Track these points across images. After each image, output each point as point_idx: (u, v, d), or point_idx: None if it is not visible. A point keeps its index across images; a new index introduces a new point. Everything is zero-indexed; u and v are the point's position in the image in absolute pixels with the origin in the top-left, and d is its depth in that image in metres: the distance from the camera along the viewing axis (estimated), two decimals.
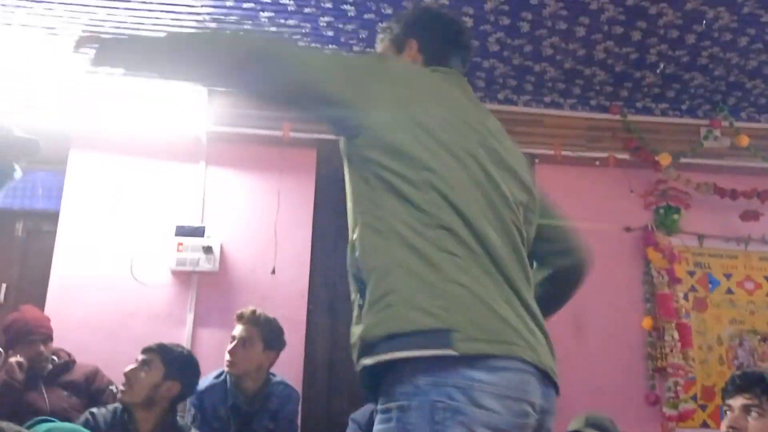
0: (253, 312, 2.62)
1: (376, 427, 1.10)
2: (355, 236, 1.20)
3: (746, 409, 1.74)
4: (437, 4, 2.77)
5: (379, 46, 1.54)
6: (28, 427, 1.68)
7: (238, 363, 2.54)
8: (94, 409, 2.26)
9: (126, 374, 2.22)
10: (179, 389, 2.24)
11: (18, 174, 2.02)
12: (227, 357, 2.54)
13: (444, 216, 1.14)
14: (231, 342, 2.57)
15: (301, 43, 3.09)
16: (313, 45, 2.99)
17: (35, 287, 3.37)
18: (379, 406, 1.11)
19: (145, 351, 2.28)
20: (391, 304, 1.10)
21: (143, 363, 2.23)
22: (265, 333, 2.59)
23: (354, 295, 1.20)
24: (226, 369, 2.56)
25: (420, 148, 1.19)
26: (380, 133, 1.20)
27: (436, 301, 1.09)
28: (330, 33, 3.01)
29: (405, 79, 1.31)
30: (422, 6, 1.52)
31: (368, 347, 1.11)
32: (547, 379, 1.17)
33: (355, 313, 1.18)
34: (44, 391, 2.60)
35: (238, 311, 2.66)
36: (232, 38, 1.40)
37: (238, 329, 2.59)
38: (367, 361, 1.11)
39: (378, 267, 1.14)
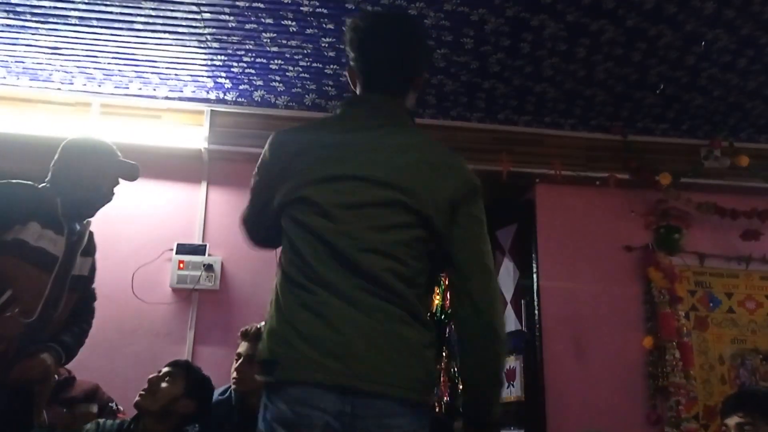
0: (258, 329, 2.62)
1: None
2: None
3: (740, 428, 1.78)
4: (438, 17, 2.80)
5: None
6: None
7: (245, 380, 2.54)
8: (101, 420, 2.25)
9: (149, 380, 2.21)
10: (194, 409, 2.24)
11: (113, 197, 2.18)
12: (234, 375, 2.53)
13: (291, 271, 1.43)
14: (236, 360, 2.56)
15: (302, 64, 3.12)
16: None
17: None
18: None
19: (171, 365, 2.29)
20: None
21: (167, 374, 2.23)
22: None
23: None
24: (233, 386, 2.55)
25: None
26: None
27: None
28: (331, 53, 3.03)
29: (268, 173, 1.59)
30: (349, 24, 1.59)
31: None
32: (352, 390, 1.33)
33: None
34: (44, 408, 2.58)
35: (243, 329, 2.65)
36: None
37: (243, 347, 2.58)
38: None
39: None
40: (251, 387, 2.53)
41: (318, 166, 1.45)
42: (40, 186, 2.10)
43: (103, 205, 2.19)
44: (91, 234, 2.22)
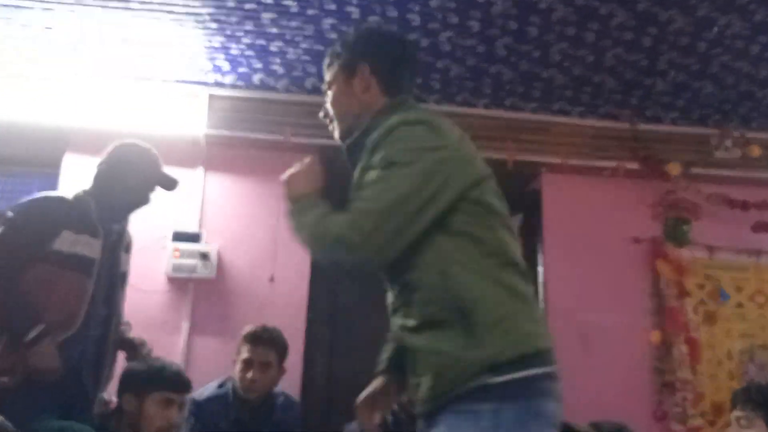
0: (269, 333, 2.55)
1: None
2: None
3: (738, 421, 1.91)
4: (444, 6, 2.72)
5: (328, 73, 1.57)
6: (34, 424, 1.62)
7: (258, 388, 2.49)
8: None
9: None
10: None
11: (150, 202, 2.37)
12: (246, 383, 2.46)
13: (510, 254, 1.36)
14: (246, 366, 2.48)
15: (303, 46, 3.04)
16: None
17: None
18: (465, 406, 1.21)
19: None
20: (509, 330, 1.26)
21: None
22: (281, 353, 2.55)
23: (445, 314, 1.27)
24: (244, 394, 2.48)
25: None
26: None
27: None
28: (333, 35, 2.95)
29: None
30: (368, 27, 1.56)
31: (495, 367, 1.21)
32: None
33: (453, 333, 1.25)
34: None
35: (250, 331, 2.55)
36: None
37: (255, 353, 2.49)
38: (497, 379, 1.21)
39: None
40: (264, 391, 2.49)
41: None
42: (81, 190, 2.26)
43: (139, 209, 2.34)
44: (128, 231, 2.38)
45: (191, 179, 3.38)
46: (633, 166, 3.53)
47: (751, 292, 3.55)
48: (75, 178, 3.35)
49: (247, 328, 2.58)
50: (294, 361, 3.00)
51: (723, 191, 3.54)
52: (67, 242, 2.10)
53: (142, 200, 2.32)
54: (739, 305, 3.53)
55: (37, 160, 3.54)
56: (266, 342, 2.51)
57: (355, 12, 2.79)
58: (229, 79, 3.36)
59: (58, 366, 1.99)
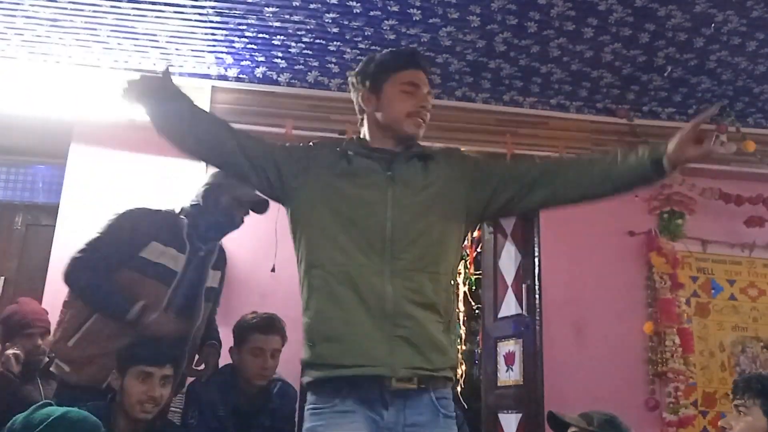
0: (277, 321, 2.61)
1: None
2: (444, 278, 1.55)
3: (737, 409, 1.90)
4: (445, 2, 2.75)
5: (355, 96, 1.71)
6: (29, 414, 1.66)
7: (269, 375, 2.54)
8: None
9: None
10: None
11: (242, 224, 2.47)
12: (261, 371, 2.50)
13: None
14: (257, 354, 2.50)
15: (305, 40, 3.07)
16: None
17: (34, 280, 3.35)
18: (446, 411, 1.52)
19: None
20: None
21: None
22: (285, 339, 2.60)
23: (435, 316, 1.51)
24: (256, 382, 2.52)
25: None
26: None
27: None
28: (335, 29, 2.99)
29: None
30: (371, 57, 1.71)
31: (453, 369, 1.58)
32: None
33: (441, 329, 1.52)
34: (40, 383, 2.58)
35: (260, 321, 2.58)
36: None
37: (267, 341, 2.52)
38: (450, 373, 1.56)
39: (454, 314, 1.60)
40: (271, 378, 2.55)
41: None
42: (180, 207, 2.44)
43: (231, 232, 2.46)
44: (221, 248, 2.52)
45: (194, 171, 3.42)
46: None
47: (743, 285, 3.61)
48: (81, 168, 3.40)
49: (252, 317, 2.62)
50: (293, 349, 3.03)
51: (717, 186, 3.58)
52: (154, 253, 2.27)
53: (233, 223, 2.43)
54: (732, 298, 3.59)
55: (42, 150, 3.58)
56: (277, 330, 2.57)
57: (356, 7, 2.82)
58: (232, 72, 3.39)
59: (179, 328, 2.26)
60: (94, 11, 2.92)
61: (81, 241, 2.95)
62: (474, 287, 4.30)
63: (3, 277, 3.55)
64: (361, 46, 3.11)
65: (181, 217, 2.39)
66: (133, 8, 2.88)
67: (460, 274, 4.25)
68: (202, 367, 2.57)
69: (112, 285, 2.21)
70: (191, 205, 2.42)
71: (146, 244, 2.27)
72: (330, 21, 2.92)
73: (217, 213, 2.38)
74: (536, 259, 3.49)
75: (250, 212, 2.47)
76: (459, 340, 1.48)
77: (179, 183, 3.40)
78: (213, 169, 2.33)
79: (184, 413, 2.50)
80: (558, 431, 2.17)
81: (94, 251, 2.25)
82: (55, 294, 3.16)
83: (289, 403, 2.65)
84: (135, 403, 2.00)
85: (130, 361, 2.03)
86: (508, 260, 3.65)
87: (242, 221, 2.46)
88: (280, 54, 3.21)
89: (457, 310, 1.47)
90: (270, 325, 2.56)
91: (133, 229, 2.28)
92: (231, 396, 2.52)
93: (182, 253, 2.33)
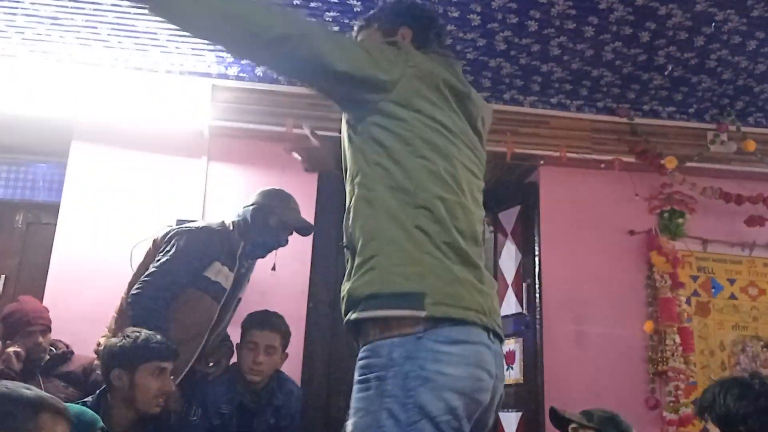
0: (274, 317, 2.61)
1: (355, 395, 1.26)
2: (350, 203, 1.37)
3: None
4: None
5: (361, 35, 1.63)
6: None
7: (263, 371, 2.53)
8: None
9: None
10: None
11: (286, 244, 2.62)
12: (252, 366, 2.51)
13: (424, 197, 1.32)
14: (251, 349, 2.52)
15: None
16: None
17: (34, 279, 3.36)
18: (358, 376, 1.27)
19: None
20: (374, 267, 1.28)
21: None
22: (285, 338, 2.61)
23: (346, 255, 1.37)
24: (249, 377, 2.52)
25: (418, 137, 1.35)
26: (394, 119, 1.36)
27: (413, 268, 1.27)
28: (335, 28, 2.99)
29: (422, 69, 1.41)
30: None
31: (354, 303, 1.30)
32: (494, 334, 1.32)
33: (347, 270, 1.36)
34: (41, 381, 2.57)
35: (256, 316, 2.59)
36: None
37: (261, 336, 2.53)
38: (353, 316, 1.29)
39: (365, 233, 1.32)
40: (267, 375, 2.55)
41: None
42: (228, 224, 2.55)
43: (275, 249, 2.61)
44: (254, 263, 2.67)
45: (195, 169, 3.43)
46: (630, 159, 3.57)
47: (743, 284, 3.61)
48: (82, 166, 3.41)
49: (252, 314, 2.63)
50: (295, 346, 3.05)
51: (718, 185, 3.57)
52: (214, 271, 2.41)
53: (278, 244, 2.57)
54: (732, 297, 3.59)
55: (43, 148, 3.59)
56: (272, 326, 2.56)
57: (357, 5, 2.82)
58: (232, 71, 3.39)
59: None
60: (95, 9, 2.92)
61: (82, 239, 2.97)
62: None
63: (4, 276, 3.55)
64: None
65: (236, 236, 2.50)
66: (134, 7, 2.88)
67: None
68: (212, 365, 2.62)
69: (169, 314, 2.30)
70: (240, 222, 2.53)
71: (210, 264, 2.41)
72: (330, 19, 2.93)
73: (265, 233, 2.51)
74: (536, 258, 3.50)
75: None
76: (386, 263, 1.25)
77: (179, 182, 3.42)
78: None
79: (187, 410, 2.50)
80: (559, 428, 2.18)
81: (166, 274, 2.34)
82: (56, 292, 3.18)
83: (293, 400, 2.65)
84: (151, 399, 2.04)
85: (143, 358, 2.05)
86: (509, 259, 3.66)
87: (287, 242, 2.59)
88: None
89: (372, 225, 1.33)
90: (265, 320, 2.57)
91: (201, 252, 2.41)
92: (235, 393, 2.53)
93: (232, 271, 2.47)
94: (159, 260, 2.38)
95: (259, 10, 1.28)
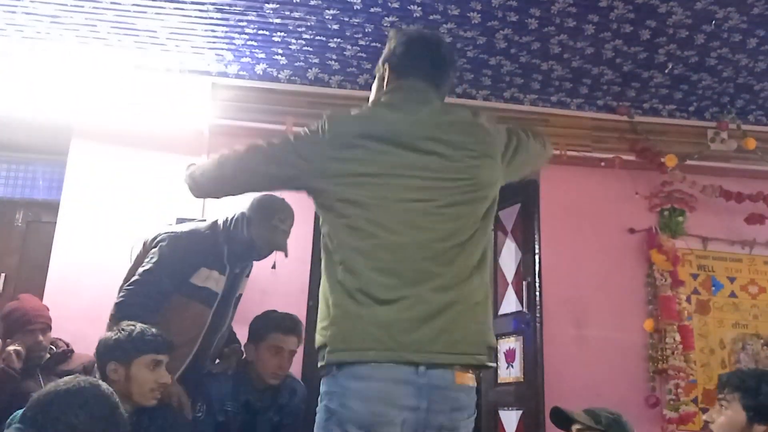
0: (299, 324, 2.64)
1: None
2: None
3: (719, 403, 1.96)
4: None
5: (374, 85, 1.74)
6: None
7: (284, 375, 2.56)
8: None
9: None
10: None
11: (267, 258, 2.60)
12: (277, 370, 2.51)
13: (341, 253, 1.46)
14: (275, 353, 2.51)
15: (306, 37, 3.07)
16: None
17: (34, 277, 3.36)
18: None
19: None
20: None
21: None
22: (301, 342, 2.62)
23: None
24: (270, 381, 2.52)
25: (337, 200, 1.48)
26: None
27: (322, 323, 1.45)
28: (335, 26, 2.99)
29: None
30: (392, 31, 1.74)
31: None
32: (430, 365, 1.39)
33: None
34: (41, 380, 2.58)
35: (282, 321, 2.57)
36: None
37: (287, 341, 2.52)
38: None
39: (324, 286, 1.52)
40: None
41: None
42: (220, 224, 2.52)
43: (261, 259, 2.60)
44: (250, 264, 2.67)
45: None
46: (630, 157, 3.57)
47: (744, 283, 3.61)
48: (82, 164, 3.41)
49: (272, 317, 2.61)
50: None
51: (718, 183, 3.57)
52: (201, 277, 2.39)
53: (261, 257, 2.57)
54: (732, 295, 3.59)
55: (43, 147, 3.59)
56: (297, 332, 2.57)
57: (357, 3, 2.82)
58: (232, 69, 3.39)
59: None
60: (95, 8, 2.92)
61: (82, 238, 2.97)
62: None
63: (3, 274, 3.56)
64: (361, 42, 3.11)
65: (221, 240, 2.48)
66: (134, 5, 2.88)
67: None
68: (217, 363, 2.63)
69: (159, 318, 2.27)
70: (229, 226, 2.50)
71: (196, 271, 2.39)
72: (330, 18, 2.92)
73: (243, 245, 2.48)
74: (537, 256, 3.50)
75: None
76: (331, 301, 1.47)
77: (180, 180, 3.41)
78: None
79: (192, 406, 2.50)
80: (561, 427, 2.17)
81: (147, 283, 2.33)
82: (56, 290, 3.18)
83: (298, 399, 2.66)
84: (147, 391, 2.05)
85: (139, 351, 2.06)
86: (509, 257, 3.65)
87: (268, 255, 2.57)
88: (280, 51, 3.21)
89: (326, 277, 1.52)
90: (293, 326, 2.58)
91: (184, 259, 2.39)
92: (242, 391, 2.53)
93: (223, 275, 2.45)
94: (144, 267, 2.37)
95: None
